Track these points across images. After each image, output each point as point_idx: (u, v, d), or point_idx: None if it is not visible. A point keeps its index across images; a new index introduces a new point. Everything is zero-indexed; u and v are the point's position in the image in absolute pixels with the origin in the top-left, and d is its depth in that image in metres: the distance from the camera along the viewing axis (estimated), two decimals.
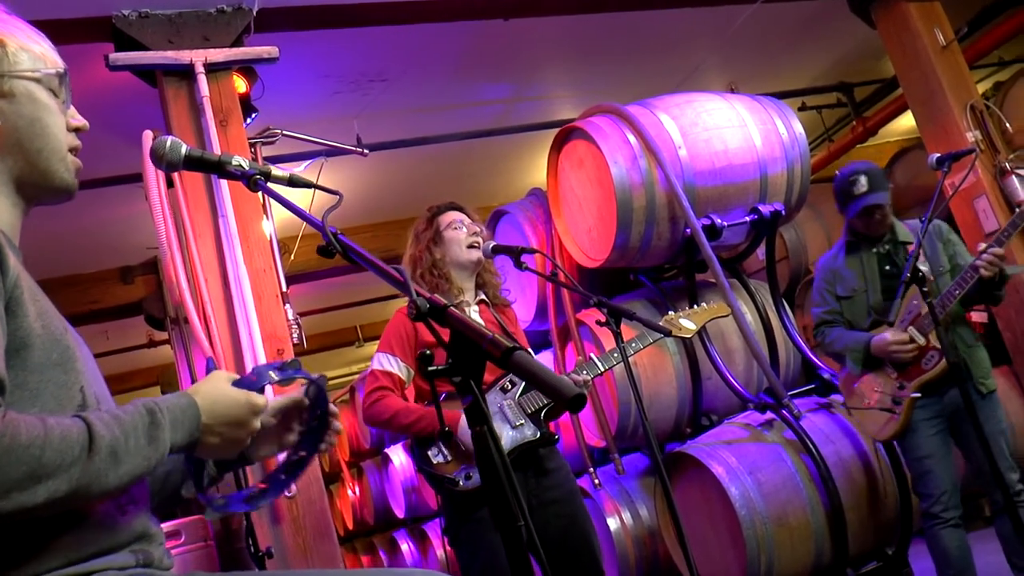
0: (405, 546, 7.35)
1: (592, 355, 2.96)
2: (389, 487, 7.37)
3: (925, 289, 3.19)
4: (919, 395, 3.41)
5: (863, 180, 3.54)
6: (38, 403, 1.18)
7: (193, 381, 5.74)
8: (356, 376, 10.21)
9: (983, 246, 3.30)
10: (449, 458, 2.84)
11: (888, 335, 3.44)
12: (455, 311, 1.13)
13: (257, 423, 1.40)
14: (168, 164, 1.57)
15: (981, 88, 5.94)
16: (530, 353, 2.94)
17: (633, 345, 2.95)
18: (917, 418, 3.43)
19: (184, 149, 1.57)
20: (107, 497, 1.21)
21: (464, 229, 3.09)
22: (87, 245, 6.24)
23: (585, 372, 2.95)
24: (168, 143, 1.56)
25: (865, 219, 3.57)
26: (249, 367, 3.52)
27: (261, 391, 1.42)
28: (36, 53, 1.36)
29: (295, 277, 6.28)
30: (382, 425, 2.96)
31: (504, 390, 2.94)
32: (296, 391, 1.57)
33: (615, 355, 2.93)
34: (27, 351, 1.18)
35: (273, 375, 1.46)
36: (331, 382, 11.60)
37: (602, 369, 2.95)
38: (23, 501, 1.06)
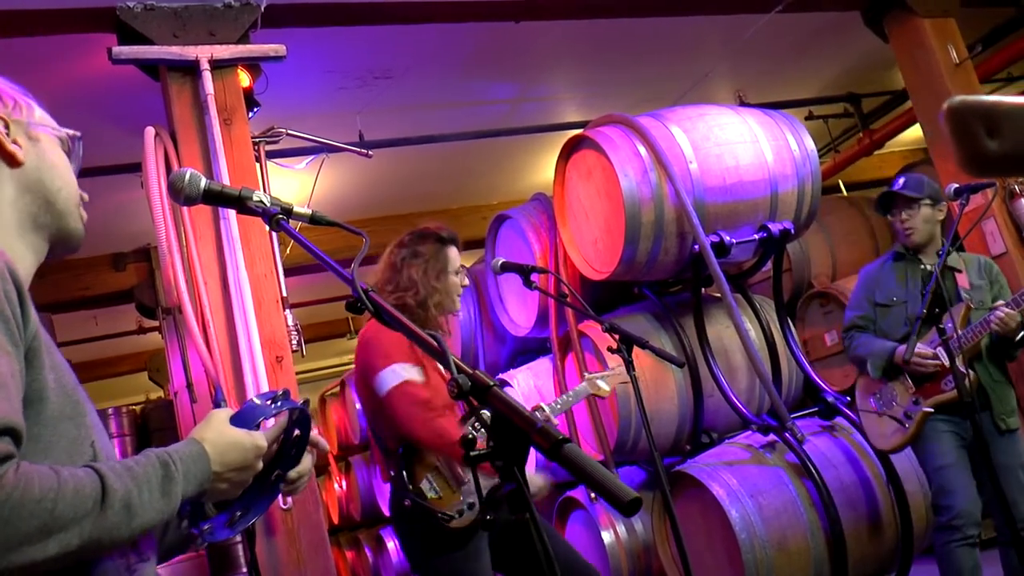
0: (391, 544, 7.29)
1: (541, 404, 3.15)
2: (377, 483, 7.29)
3: (941, 326, 3.14)
4: (931, 410, 3.37)
5: (901, 179, 3.62)
6: (50, 457, 1.16)
7: (186, 373, 5.66)
8: (347, 367, 10.13)
9: (1001, 304, 3.28)
10: (441, 494, 2.79)
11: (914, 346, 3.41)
12: (498, 391, 1.05)
13: (260, 463, 1.43)
14: (186, 198, 1.49)
15: None
16: (499, 384, 3.00)
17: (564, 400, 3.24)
18: (940, 429, 3.37)
19: (203, 183, 1.49)
20: (118, 549, 1.20)
21: (464, 279, 3.08)
22: None
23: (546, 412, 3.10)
24: (187, 177, 1.48)
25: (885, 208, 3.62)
26: (247, 374, 3.43)
27: (258, 427, 1.44)
28: (54, 126, 1.42)
29: (289, 270, 6.16)
30: (435, 441, 2.73)
31: None
32: (282, 418, 1.54)
33: (571, 396, 3.23)
34: (41, 404, 1.17)
35: (270, 410, 1.45)
36: (322, 373, 11.53)
37: (553, 417, 3.11)
38: (34, 555, 1.05)
